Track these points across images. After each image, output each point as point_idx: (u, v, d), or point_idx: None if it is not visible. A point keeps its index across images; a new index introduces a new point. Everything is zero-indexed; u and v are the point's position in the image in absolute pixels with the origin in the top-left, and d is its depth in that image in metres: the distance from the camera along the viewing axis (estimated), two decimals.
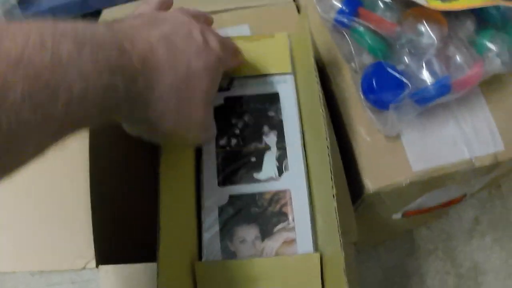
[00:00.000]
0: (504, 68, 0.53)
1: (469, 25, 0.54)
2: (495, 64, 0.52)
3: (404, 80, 0.51)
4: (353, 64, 0.55)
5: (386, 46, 0.54)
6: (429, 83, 0.51)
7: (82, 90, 0.29)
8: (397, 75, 0.51)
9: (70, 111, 0.28)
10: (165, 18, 0.39)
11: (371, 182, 0.52)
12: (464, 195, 0.72)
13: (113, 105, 0.33)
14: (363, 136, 0.54)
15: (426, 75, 0.52)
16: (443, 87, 0.50)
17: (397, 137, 0.54)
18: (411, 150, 0.54)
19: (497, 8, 0.54)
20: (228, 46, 0.45)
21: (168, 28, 0.38)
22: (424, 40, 0.52)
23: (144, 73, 0.34)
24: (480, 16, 0.55)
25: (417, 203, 0.65)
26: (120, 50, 0.32)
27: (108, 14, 0.70)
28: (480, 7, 0.52)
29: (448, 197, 0.69)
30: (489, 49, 0.53)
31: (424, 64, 0.52)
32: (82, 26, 0.31)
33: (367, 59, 0.54)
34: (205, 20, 0.47)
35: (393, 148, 0.54)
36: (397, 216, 0.70)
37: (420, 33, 0.53)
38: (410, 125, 0.55)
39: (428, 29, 0.52)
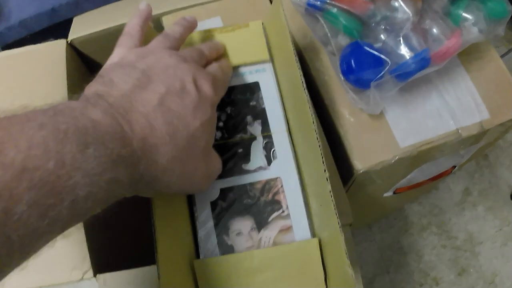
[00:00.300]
0: (482, 36, 0.53)
1: None
2: (473, 33, 0.52)
3: (383, 57, 0.51)
4: (329, 47, 0.55)
5: (361, 25, 0.53)
6: (408, 58, 0.51)
7: (86, 189, 0.28)
8: (375, 52, 0.51)
9: (75, 210, 0.28)
10: (153, 70, 0.38)
11: (359, 163, 0.52)
12: (454, 167, 0.72)
13: (117, 193, 0.32)
14: (346, 117, 0.54)
15: (404, 50, 0.52)
16: (422, 60, 0.50)
17: (381, 115, 0.54)
18: (397, 127, 0.54)
19: None
20: (219, 79, 0.44)
21: (161, 88, 0.36)
22: (399, 15, 0.52)
23: (145, 155, 0.33)
24: None
25: (408, 179, 0.65)
26: (121, 140, 0.31)
27: (79, 21, 0.69)
28: None
29: (438, 170, 0.69)
30: (465, 19, 0.53)
31: (401, 40, 0.52)
32: (82, 118, 0.30)
33: (344, 40, 0.54)
34: (190, 30, 0.46)
35: (378, 126, 0.54)
36: (388, 194, 0.70)
37: (395, 9, 0.52)
38: (393, 102, 0.55)
39: (402, 4, 0.51)
